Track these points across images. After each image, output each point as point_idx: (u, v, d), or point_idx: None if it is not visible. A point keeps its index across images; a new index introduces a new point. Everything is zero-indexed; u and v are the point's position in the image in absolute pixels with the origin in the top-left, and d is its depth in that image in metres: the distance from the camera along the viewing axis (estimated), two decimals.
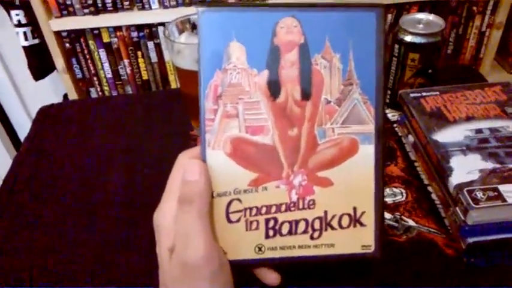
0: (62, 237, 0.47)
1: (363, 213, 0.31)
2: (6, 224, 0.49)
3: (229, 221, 0.31)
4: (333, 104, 0.31)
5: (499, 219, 0.39)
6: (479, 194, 0.39)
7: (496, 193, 0.39)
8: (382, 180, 0.31)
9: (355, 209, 0.31)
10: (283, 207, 0.31)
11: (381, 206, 0.31)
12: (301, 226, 0.31)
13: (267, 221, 0.31)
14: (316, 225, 0.31)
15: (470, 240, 0.39)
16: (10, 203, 0.52)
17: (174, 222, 0.29)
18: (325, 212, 0.31)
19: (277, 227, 0.31)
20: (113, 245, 0.45)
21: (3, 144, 1.40)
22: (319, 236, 0.31)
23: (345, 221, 0.31)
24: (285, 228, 0.31)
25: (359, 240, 0.32)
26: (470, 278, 0.40)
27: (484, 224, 0.39)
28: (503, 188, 0.39)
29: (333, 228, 0.31)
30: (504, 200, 0.38)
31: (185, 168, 0.30)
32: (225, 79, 0.30)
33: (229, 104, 0.31)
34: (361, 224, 0.31)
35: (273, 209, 0.31)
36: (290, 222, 0.31)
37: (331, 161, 0.31)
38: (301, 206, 0.31)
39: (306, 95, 0.31)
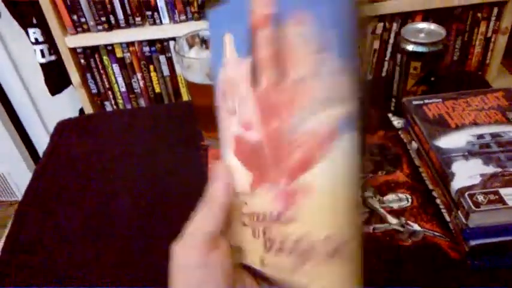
0: (82, 246, 0.49)
1: (342, 240, 0.25)
2: (27, 235, 0.51)
3: (243, 223, 0.28)
4: (308, 81, 0.25)
5: (500, 222, 0.40)
6: (480, 198, 0.40)
7: (496, 196, 0.40)
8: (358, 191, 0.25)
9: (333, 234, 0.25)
10: (269, 217, 0.27)
11: (358, 227, 0.25)
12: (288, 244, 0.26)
13: (264, 230, 0.27)
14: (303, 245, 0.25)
15: (473, 242, 0.40)
16: (31, 214, 0.54)
17: (197, 268, 0.25)
18: (308, 232, 0.25)
19: (271, 240, 0.27)
20: (130, 251, 0.48)
21: (22, 157, 1.45)
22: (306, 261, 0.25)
23: (326, 247, 0.25)
24: (277, 244, 0.26)
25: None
26: (474, 281, 0.41)
27: (486, 227, 0.40)
28: (504, 191, 0.40)
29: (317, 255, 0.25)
30: (505, 203, 0.39)
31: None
32: (225, 75, 0.28)
33: (230, 100, 0.28)
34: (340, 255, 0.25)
35: (264, 217, 0.27)
36: (281, 239, 0.26)
37: (310, 159, 0.25)
38: (283, 219, 0.26)
39: (283, 75, 0.26)
